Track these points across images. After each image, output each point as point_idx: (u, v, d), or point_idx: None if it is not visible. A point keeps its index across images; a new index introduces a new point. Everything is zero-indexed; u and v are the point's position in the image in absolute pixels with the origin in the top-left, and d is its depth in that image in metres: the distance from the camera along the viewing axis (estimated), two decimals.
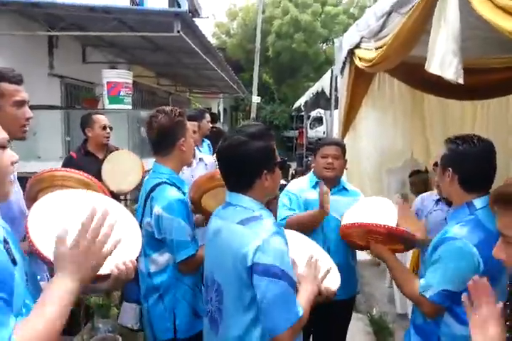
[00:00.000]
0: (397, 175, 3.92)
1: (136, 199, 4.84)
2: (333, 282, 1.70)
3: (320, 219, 2.32)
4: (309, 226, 2.34)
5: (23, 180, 1.88)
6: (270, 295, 1.35)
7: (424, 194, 3.05)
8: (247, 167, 1.49)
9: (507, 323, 1.19)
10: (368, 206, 2.29)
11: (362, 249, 2.20)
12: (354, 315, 2.72)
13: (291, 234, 1.82)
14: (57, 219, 1.19)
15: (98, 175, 3.10)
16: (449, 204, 2.78)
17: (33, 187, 1.90)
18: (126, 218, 1.35)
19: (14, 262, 1.05)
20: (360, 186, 2.90)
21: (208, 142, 4.55)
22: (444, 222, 2.28)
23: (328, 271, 1.65)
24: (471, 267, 1.56)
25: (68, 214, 1.20)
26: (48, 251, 1.10)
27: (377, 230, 1.92)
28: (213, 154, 4.18)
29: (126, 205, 4.59)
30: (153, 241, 1.91)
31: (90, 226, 1.05)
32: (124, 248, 1.22)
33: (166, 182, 1.94)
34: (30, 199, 1.78)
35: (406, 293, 1.79)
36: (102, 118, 3.48)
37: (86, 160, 3.33)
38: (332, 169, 2.45)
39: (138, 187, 3.50)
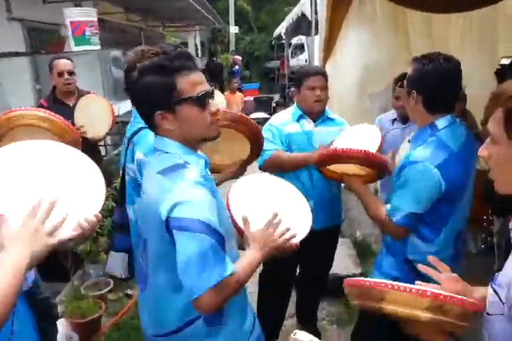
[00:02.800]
0: (380, 99, 3.82)
1: (116, 144, 4.79)
2: (297, 233, 1.52)
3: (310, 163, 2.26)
4: (294, 166, 2.34)
5: None
6: (188, 251, 1.17)
7: (382, 115, 3.11)
8: (139, 107, 1.36)
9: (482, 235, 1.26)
10: (352, 136, 2.23)
11: (335, 180, 2.15)
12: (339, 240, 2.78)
13: (263, 182, 1.69)
14: (10, 179, 1.14)
15: (73, 124, 2.99)
16: (405, 122, 2.85)
17: None
18: (89, 169, 1.27)
19: None
20: (342, 114, 2.81)
21: None
22: (400, 140, 2.33)
23: (287, 229, 1.45)
24: (434, 188, 1.60)
25: (22, 172, 1.17)
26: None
27: (347, 155, 1.83)
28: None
29: (106, 151, 4.51)
30: (138, 187, 1.86)
31: (36, 213, 1.06)
32: (86, 202, 1.18)
33: (147, 127, 1.86)
34: None
35: (372, 217, 1.83)
36: (59, 64, 3.25)
37: (56, 108, 3.15)
38: (320, 101, 2.36)
39: (112, 131, 3.41)
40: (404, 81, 1.74)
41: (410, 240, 1.71)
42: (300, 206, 1.66)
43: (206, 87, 1.30)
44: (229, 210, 1.46)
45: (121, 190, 2.08)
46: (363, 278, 1.11)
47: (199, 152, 1.40)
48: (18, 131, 1.96)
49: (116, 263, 2.08)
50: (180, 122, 1.29)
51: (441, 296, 0.95)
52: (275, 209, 1.48)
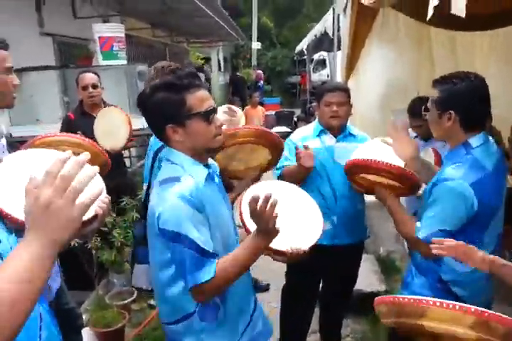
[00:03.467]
0: (403, 116, 3.82)
1: (140, 156, 4.88)
2: (306, 239, 1.53)
3: (303, 171, 2.26)
4: (298, 179, 2.30)
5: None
6: (174, 259, 1.38)
7: None
8: (151, 121, 1.46)
9: None
10: (375, 148, 2.23)
11: (367, 193, 2.17)
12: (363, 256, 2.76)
13: (276, 188, 1.64)
14: (21, 181, 1.16)
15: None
16: (425, 140, 2.80)
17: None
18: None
19: None
20: (364, 130, 2.82)
21: None
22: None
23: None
24: (465, 206, 1.57)
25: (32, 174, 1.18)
26: (18, 213, 1.01)
27: (386, 169, 1.84)
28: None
29: (131, 162, 4.60)
30: None
31: (57, 172, 0.79)
32: (91, 187, 1.20)
33: None
34: None
35: (404, 234, 1.81)
36: (84, 78, 3.36)
37: (83, 120, 3.27)
38: (337, 117, 2.35)
39: (134, 143, 3.45)
40: (429, 104, 1.71)
41: (445, 260, 1.67)
42: (312, 213, 1.67)
43: (212, 102, 1.45)
44: (241, 217, 1.53)
45: (144, 203, 2.12)
46: (397, 296, 1.10)
47: (211, 161, 1.55)
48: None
49: (140, 275, 2.12)
50: (188, 135, 1.42)
51: (486, 314, 0.94)
52: (286, 215, 1.45)
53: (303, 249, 1.50)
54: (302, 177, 2.33)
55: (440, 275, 1.69)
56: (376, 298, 1.14)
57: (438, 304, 0.99)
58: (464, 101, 1.60)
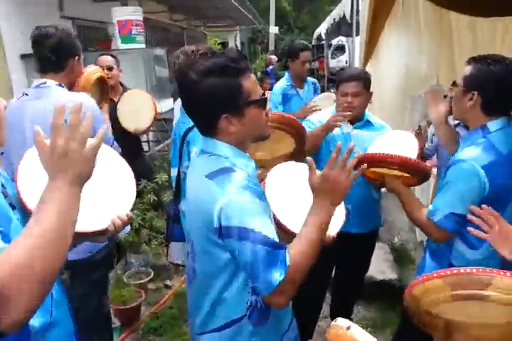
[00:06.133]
0: (421, 102, 3.79)
1: (158, 141, 4.93)
2: (333, 225, 1.47)
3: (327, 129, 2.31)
4: (320, 137, 2.35)
5: None
6: (245, 259, 1.18)
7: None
8: (200, 112, 1.27)
9: None
10: (389, 141, 2.24)
11: (377, 185, 2.18)
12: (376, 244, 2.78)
13: (296, 170, 1.66)
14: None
15: (116, 118, 3.13)
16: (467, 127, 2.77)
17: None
18: (123, 170, 1.36)
19: (13, 206, 1.10)
20: (381, 116, 2.82)
21: (314, 81, 4.27)
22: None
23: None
24: (477, 189, 1.55)
25: None
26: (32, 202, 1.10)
27: (390, 161, 1.85)
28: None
29: (149, 147, 4.66)
30: None
31: (61, 123, 0.90)
32: (118, 201, 1.26)
33: None
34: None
35: (415, 220, 1.79)
36: (100, 60, 3.40)
37: None
38: (352, 108, 2.33)
39: (154, 127, 3.52)
40: (459, 79, 1.66)
41: (455, 245, 1.67)
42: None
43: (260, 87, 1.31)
44: None
45: (177, 185, 2.21)
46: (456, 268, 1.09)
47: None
48: None
49: (177, 252, 2.23)
50: (244, 124, 1.26)
51: None
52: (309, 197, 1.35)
53: (331, 235, 1.46)
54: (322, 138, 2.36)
55: (451, 261, 1.70)
56: (418, 278, 1.11)
57: (502, 273, 0.99)
58: (491, 84, 1.55)
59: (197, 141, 1.92)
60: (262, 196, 1.26)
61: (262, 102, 1.29)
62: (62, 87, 2.11)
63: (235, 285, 1.28)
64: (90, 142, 0.94)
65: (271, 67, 14.28)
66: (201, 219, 1.24)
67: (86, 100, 2.02)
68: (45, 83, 2.08)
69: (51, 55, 2.09)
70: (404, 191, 1.87)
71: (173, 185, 2.35)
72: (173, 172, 2.26)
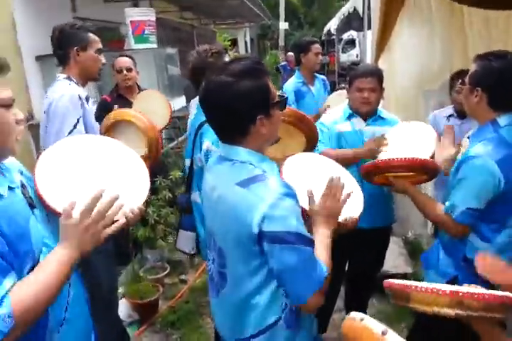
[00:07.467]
0: (435, 97, 3.77)
1: (170, 138, 4.99)
2: (355, 207, 1.55)
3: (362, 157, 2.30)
4: (349, 163, 2.30)
5: None
6: (288, 264, 1.21)
7: (436, 111, 3.06)
8: (236, 114, 1.24)
9: None
10: (406, 133, 2.25)
11: (383, 185, 2.19)
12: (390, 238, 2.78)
13: (309, 157, 1.71)
14: (67, 169, 1.24)
15: None
16: (462, 117, 2.79)
17: (106, 120, 2.42)
18: (134, 164, 1.40)
19: (32, 206, 1.16)
20: (396, 111, 2.83)
21: (323, 78, 4.30)
22: (457, 136, 2.31)
23: (349, 195, 1.44)
24: (492, 183, 1.57)
25: (76, 164, 1.27)
26: (56, 202, 1.17)
27: (399, 165, 1.90)
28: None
29: (162, 144, 4.71)
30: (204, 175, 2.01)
31: (93, 207, 1.12)
32: (131, 195, 1.29)
33: None
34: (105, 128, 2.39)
35: (430, 217, 1.83)
36: (119, 61, 3.48)
37: (119, 102, 3.37)
38: (368, 103, 2.36)
39: (168, 126, 3.59)
40: (467, 77, 1.71)
41: (470, 239, 1.69)
42: (351, 184, 1.65)
43: None
44: None
45: (189, 177, 2.28)
46: (394, 281, 1.19)
47: None
48: (118, 125, 2.41)
49: (185, 241, 2.30)
50: (271, 125, 1.29)
51: (460, 293, 1.01)
52: (332, 179, 1.44)
53: (355, 217, 1.50)
54: (348, 164, 2.31)
55: (465, 254, 1.71)
56: (384, 281, 1.24)
57: (418, 289, 1.06)
58: (493, 79, 1.59)
59: (209, 133, 1.97)
60: (296, 198, 1.27)
61: (284, 103, 1.34)
62: (71, 79, 2.15)
63: (270, 289, 1.29)
64: (109, 228, 1.15)
65: (284, 62, 14.24)
66: (235, 226, 1.25)
67: (67, 92, 2.05)
68: (58, 77, 2.18)
69: (56, 49, 2.18)
70: (413, 191, 1.90)
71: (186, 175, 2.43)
72: (187, 162, 2.35)
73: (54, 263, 1.07)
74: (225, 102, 1.23)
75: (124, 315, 2.76)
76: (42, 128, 2.15)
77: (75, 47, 2.14)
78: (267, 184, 1.22)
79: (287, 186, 1.26)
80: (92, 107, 2.26)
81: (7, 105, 1.07)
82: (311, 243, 1.25)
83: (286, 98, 1.34)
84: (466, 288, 1.07)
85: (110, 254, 2.25)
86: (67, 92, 2.06)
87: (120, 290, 2.86)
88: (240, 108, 1.23)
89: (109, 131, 2.37)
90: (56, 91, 2.09)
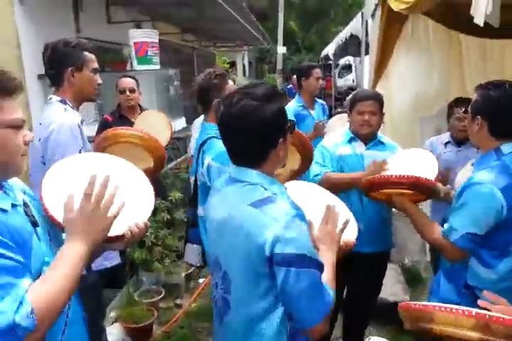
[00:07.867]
0: (432, 124, 3.82)
1: (170, 159, 4.98)
2: (351, 231, 1.59)
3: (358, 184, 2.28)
4: (348, 188, 2.34)
5: None
6: (299, 286, 1.19)
7: (433, 137, 3.09)
8: (261, 138, 1.24)
9: None
10: (407, 159, 2.27)
11: (383, 202, 2.21)
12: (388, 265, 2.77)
13: (302, 186, 1.77)
14: (70, 184, 1.24)
15: None
16: (459, 144, 2.83)
17: (99, 144, 2.29)
18: (139, 180, 1.41)
19: (35, 224, 1.16)
20: (392, 137, 2.85)
21: (322, 103, 4.35)
22: (454, 164, 2.42)
23: (346, 222, 1.49)
24: (494, 210, 1.59)
25: (81, 179, 1.25)
26: (61, 216, 1.17)
27: (400, 182, 1.92)
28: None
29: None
30: (207, 190, 2.01)
31: (92, 192, 1.12)
32: (136, 210, 1.30)
33: (214, 137, 2.13)
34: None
35: (428, 239, 1.84)
36: (122, 82, 3.52)
37: (121, 122, 3.39)
38: (368, 126, 2.40)
39: (169, 146, 3.60)
40: (469, 107, 1.77)
41: (470, 264, 1.70)
42: (344, 211, 1.70)
43: None
44: None
45: (194, 192, 2.35)
46: (413, 302, 1.17)
47: None
48: (119, 146, 2.29)
49: (192, 253, 2.36)
50: (285, 149, 1.32)
51: (487, 316, 0.98)
52: (329, 207, 1.48)
53: (352, 240, 1.54)
54: (349, 188, 2.36)
55: (466, 281, 1.71)
56: (399, 304, 1.22)
57: (442, 309, 1.04)
58: (491, 108, 1.65)
59: (210, 150, 2.10)
60: (306, 220, 1.29)
61: (293, 126, 1.37)
62: (65, 103, 1.99)
63: (277, 315, 1.27)
64: (112, 211, 1.14)
65: (290, 85, 14.39)
66: (245, 245, 1.24)
67: (67, 122, 1.91)
68: (50, 99, 2.02)
69: (47, 68, 2.01)
70: (412, 208, 1.92)
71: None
72: (192, 179, 2.45)
73: (66, 258, 1.06)
74: (249, 126, 1.23)
75: (116, 339, 2.69)
76: (33, 155, 1.93)
77: (70, 68, 1.96)
78: (278, 206, 1.23)
79: (297, 208, 1.26)
80: (90, 128, 2.24)
81: (18, 126, 1.09)
82: (321, 267, 1.25)
83: (295, 122, 1.38)
84: (491, 312, 1.04)
85: (99, 287, 2.15)
86: (66, 121, 1.92)
87: (114, 313, 2.80)
88: (265, 132, 1.24)
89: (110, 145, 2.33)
90: (54, 120, 1.93)
